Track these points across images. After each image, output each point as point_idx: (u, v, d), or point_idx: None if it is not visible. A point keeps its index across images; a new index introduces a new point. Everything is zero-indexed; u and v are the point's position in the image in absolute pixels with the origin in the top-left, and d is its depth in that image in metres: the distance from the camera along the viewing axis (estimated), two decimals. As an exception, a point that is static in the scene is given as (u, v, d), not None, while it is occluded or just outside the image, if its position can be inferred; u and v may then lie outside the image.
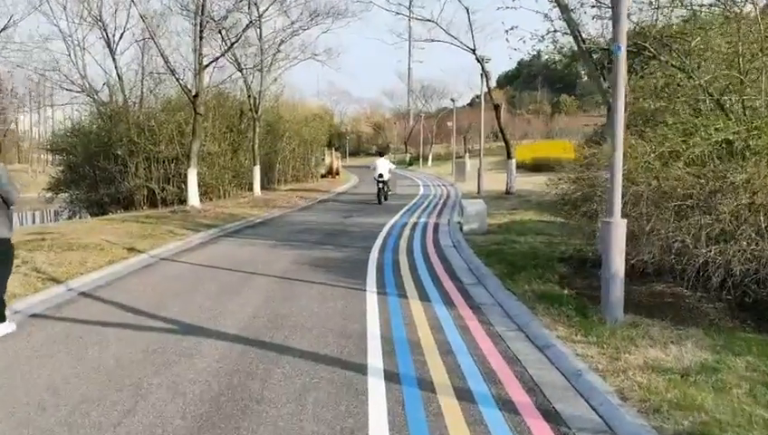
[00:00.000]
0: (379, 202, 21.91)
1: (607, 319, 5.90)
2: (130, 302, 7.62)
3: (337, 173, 41.95)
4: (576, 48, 9.01)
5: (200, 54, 17.42)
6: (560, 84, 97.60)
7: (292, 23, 23.13)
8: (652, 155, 6.79)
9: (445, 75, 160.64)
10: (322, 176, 40.99)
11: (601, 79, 8.67)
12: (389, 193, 23.32)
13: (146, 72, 24.08)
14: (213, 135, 23.18)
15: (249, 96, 23.95)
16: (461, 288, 8.09)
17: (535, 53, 10.51)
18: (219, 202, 22.00)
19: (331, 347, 5.69)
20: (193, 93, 17.87)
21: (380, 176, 22.30)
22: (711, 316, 6.31)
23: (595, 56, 9.28)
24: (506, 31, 11.42)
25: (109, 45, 24.16)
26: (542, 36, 10.90)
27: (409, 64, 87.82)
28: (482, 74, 22.02)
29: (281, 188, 31.48)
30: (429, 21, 20.07)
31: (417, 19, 20.36)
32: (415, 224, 15.51)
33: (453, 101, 45.47)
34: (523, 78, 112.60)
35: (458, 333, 6.07)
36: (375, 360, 5.31)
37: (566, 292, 7.18)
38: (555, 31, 10.41)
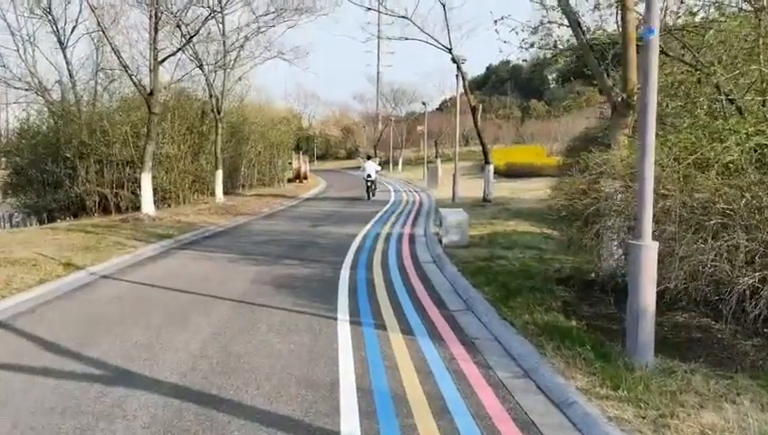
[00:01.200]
0: (368, 198, 25.53)
1: (635, 363, 4.81)
2: (53, 335, 6.30)
3: (305, 178, 40.57)
4: (576, 40, 7.97)
5: (155, 49, 15.98)
6: (526, 89, 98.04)
7: (257, 17, 21.79)
8: (682, 162, 5.73)
9: (416, 78, 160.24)
10: (290, 180, 39.59)
11: (605, 75, 7.63)
12: (375, 190, 26.80)
13: (99, 68, 22.46)
14: (171, 137, 21.68)
15: (211, 96, 22.51)
16: (448, 316, 6.94)
17: (526, 46, 9.39)
18: (177, 209, 20.53)
19: (295, 404, 4.48)
20: (147, 91, 16.43)
21: (369, 176, 26.03)
22: (751, 356, 5.27)
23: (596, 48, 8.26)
24: (495, 21, 10.34)
25: (59, 40, 22.51)
26: (535, 27, 9.86)
27: (378, 68, 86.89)
28: (457, 75, 21.03)
29: (245, 193, 30.02)
30: (403, 17, 19.00)
31: (389, 15, 19.26)
32: (389, 235, 14.34)
33: (424, 104, 44.45)
34: (491, 83, 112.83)
35: (452, 381, 4.92)
36: (350, 425, 4.12)
37: (574, 323, 6.08)
38: (550, 22, 9.36)
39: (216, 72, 22.18)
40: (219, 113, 22.73)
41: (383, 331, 6.36)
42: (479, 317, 6.79)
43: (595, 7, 8.62)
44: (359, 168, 69.49)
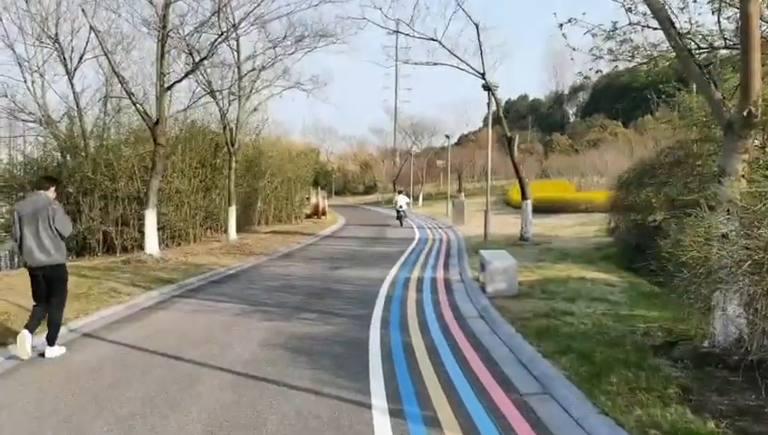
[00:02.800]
0: (400, 224, 31.15)
1: None
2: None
3: (323, 213, 39.08)
4: (670, 43, 6.30)
5: (162, 74, 14.63)
6: (546, 124, 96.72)
7: (274, 46, 20.48)
8: None
9: (436, 111, 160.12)
10: (307, 216, 38.11)
11: (712, 87, 5.93)
12: (405, 219, 32.42)
13: (108, 97, 21.21)
14: (182, 171, 20.27)
15: (225, 127, 21.13)
16: (521, 405, 5.15)
17: (599, 53, 7.73)
18: (187, 248, 18.98)
19: None
20: (153, 120, 15.02)
21: (400, 207, 32.17)
22: None
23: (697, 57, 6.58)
24: (561, 25, 8.68)
25: (67, 69, 21.35)
26: (611, 31, 8.20)
27: (396, 101, 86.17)
28: (489, 103, 19.53)
29: (261, 230, 28.50)
30: (432, 39, 17.56)
31: (417, 37, 17.79)
32: (420, 280, 12.59)
33: (447, 137, 43.08)
34: (510, 118, 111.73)
35: None
36: None
37: (713, 426, 4.27)
38: (631, 24, 7.69)
39: (230, 101, 20.84)
40: (233, 146, 21.34)
41: (437, 430, 4.60)
42: (566, 408, 4.98)
43: (683, 8, 6.99)
44: (378, 203, 68.24)
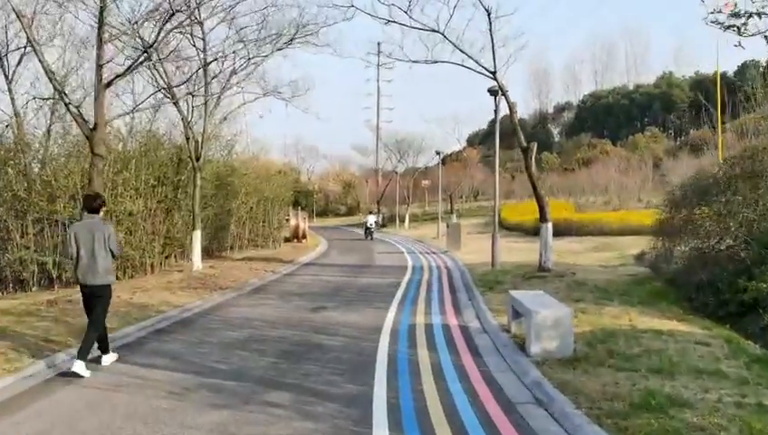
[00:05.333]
0: (370, 238, 37.64)
1: None
2: None
3: (303, 237, 36.00)
4: None
5: (99, 66, 11.68)
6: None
7: (244, 43, 17.58)
8: None
9: (422, 128, 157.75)
10: (286, 240, 34.99)
11: None
12: (374, 233, 38.98)
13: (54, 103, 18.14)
14: (136, 189, 17.19)
15: (188, 138, 18.13)
16: None
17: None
18: (139, 281, 15.86)
19: None
20: (90, 125, 12.06)
21: (370, 224, 38.76)
22: None
23: None
24: None
25: (4, 72, 18.38)
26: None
27: (378, 115, 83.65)
28: (496, 110, 16.85)
29: (234, 256, 25.38)
30: (434, 31, 14.75)
31: (419, 29, 14.99)
32: (429, 329, 9.64)
33: (438, 153, 40.34)
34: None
35: None
36: None
37: None
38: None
39: (193, 107, 17.88)
40: (198, 160, 18.32)
41: None
42: None
43: None
44: (362, 224, 65.31)
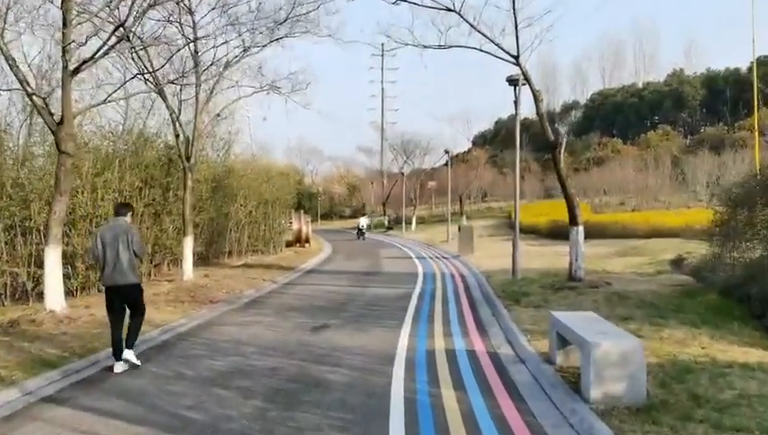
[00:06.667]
0: (362, 239, 40.71)
1: None
2: None
3: (306, 241, 34.42)
4: None
5: (65, 51, 10.08)
6: (538, 143, 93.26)
7: (240, 34, 16.02)
8: None
9: (432, 124, 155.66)
10: (288, 245, 33.42)
11: None
12: (365, 234, 42.52)
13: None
14: (119, 191, 15.61)
15: (177, 136, 16.55)
16: None
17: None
18: (122, 293, 14.25)
19: None
20: (57, 118, 10.48)
21: (362, 226, 42.50)
22: None
23: None
24: None
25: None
26: None
27: (383, 124, 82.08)
28: (515, 101, 15.20)
29: (232, 262, 23.80)
30: (449, 10, 13.09)
31: (429, 7, 13.36)
32: (452, 357, 7.97)
33: (447, 152, 38.65)
34: (501, 138, 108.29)
35: None
36: None
37: None
38: None
39: (181, 101, 16.29)
40: (189, 160, 16.73)
41: None
42: None
43: None
44: (369, 227, 63.73)
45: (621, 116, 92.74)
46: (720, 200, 11.96)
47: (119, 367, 7.49)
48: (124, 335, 7.72)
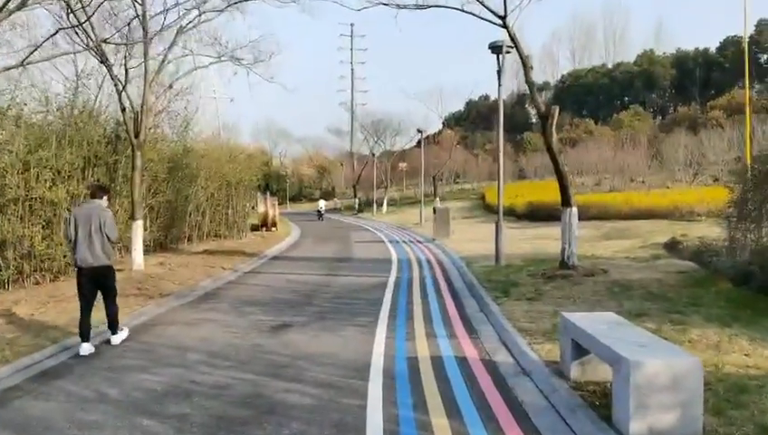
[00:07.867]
0: (320, 219, 45.39)
1: None
2: None
3: (273, 225, 32.77)
4: None
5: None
6: (509, 124, 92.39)
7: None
8: None
9: (403, 102, 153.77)
10: (254, 228, 31.73)
11: None
12: (323, 216, 46.89)
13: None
14: (58, 171, 13.84)
15: (124, 109, 14.78)
16: None
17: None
18: (60, 287, 12.57)
19: None
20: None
21: (321, 208, 48.55)
22: None
23: None
24: None
25: None
26: None
27: (353, 106, 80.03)
28: (499, 70, 13.78)
29: (191, 248, 22.08)
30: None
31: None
32: (438, 366, 6.59)
33: (420, 131, 37.15)
34: (471, 119, 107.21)
35: None
36: None
37: None
38: None
39: (127, 70, 14.53)
40: (138, 137, 15.00)
41: None
42: None
43: None
44: (337, 209, 62.24)
45: (592, 97, 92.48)
46: (738, 176, 10.75)
47: (84, 349, 7.41)
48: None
